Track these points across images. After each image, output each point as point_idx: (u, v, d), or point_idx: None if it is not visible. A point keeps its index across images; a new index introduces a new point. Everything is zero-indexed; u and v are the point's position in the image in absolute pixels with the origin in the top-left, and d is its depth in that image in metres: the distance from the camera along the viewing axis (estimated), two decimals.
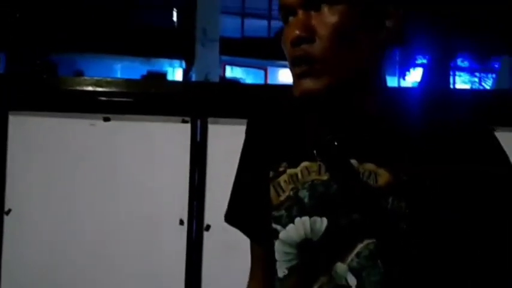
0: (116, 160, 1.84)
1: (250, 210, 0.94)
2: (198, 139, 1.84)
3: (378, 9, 0.82)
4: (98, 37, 8.83)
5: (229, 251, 1.73)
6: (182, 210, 1.81)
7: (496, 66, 9.65)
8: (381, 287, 0.77)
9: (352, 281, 0.79)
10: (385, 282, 0.77)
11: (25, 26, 8.74)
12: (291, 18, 0.82)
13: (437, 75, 8.54)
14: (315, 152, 0.84)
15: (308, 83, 0.80)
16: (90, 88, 1.82)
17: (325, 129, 0.85)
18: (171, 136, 1.83)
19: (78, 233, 1.81)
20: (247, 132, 0.96)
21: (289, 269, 0.84)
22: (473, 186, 0.78)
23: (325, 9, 0.79)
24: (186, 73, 10.03)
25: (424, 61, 9.63)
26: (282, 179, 0.87)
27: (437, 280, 0.77)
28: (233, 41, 10.52)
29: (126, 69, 9.29)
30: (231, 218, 0.99)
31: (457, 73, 10.65)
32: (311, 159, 0.84)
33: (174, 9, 9.98)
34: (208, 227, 1.81)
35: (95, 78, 1.84)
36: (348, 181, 0.81)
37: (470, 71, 10.76)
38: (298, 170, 0.85)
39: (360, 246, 0.79)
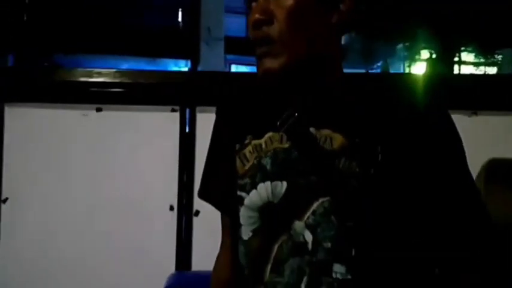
0: (108, 149, 1.90)
1: (218, 184, 1.01)
2: (187, 128, 1.90)
3: None
4: (103, 38, 8.94)
5: (217, 235, 1.78)
6: (172, 196, 1.87)
7: (500, 59, 9.66)
8: (334, 241, 0.83)
9: (308, 237, 0.85)
10: (338, 236, 0.83)
11: (32, 27, 8.88)
12: (253, 4, 0.90)
13: (441, 69, 8.56)
14: (278, 123, 0.89)
15: (268, 63, 0.88)
16: (82, 79, 1.88)
17: (286, 103, 0.92)
18: (161, 125, 1.89)
19: (72, 219, 1.88)
20: (216, 114, 1.03)
21: (253, 231, 0.91)
22: (416, 146, 0.84)
23: None
24: None
25: (429, 55, 9.65)
26: (247, 150, 0.93)
27: (386, 231, 0.83)
28: (238, 39, 10.59)
29: (132, 69, 9.40)
30: (202, 193, 1.05)
31: (461, 66, 10.66)
32: (274, 130, 0.90)
33: (179, 9, 10.07)
34: (197, 213, 1.87)
35: (87, 69, 1.90)
36: (306, 146, 0.86)
37: (475, 65, 10.78)
38: (262, 140, 0.92)
39: (315, 205, 0.85)
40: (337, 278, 0.83)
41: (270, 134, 0.91)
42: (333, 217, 0.83)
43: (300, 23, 0.86)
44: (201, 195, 1.07)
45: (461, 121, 1.78)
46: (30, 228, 1.89)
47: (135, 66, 9.33)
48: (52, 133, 1.91)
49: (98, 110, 1.89)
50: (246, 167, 0.93)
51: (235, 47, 10.37)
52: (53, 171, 1.90)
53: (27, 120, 1.91)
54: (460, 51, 10.00)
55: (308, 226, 0.85)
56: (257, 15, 0.88)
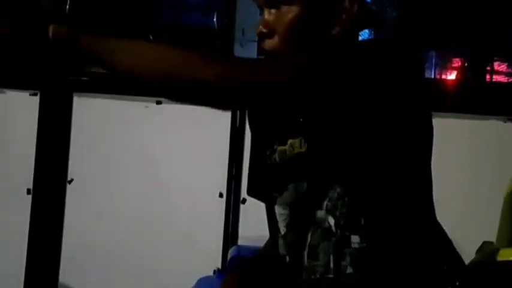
0: (165, 138, 2.08)
1: (258, 183, 1.15)
2: (237, 123, 2.06)
3: (332, 7, 0.95)
4: (140, 36, 9.20)
5: (262, 222, 1.94)
6: (222, 184, 2.04)
7: None
8: (347, 216, 0.96)
9: (331, 221, 0.98)
10: (349, 211, 0.95)
11: (72, 24, 9.15)
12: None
13: (473, 77, 8.54)
14: (294, 129, 1.01)
15: None
16: None
17: (298, 109, 1.01)
18: (214, 120, 2.06)
19: (130, 200, 2.06)
20: (249, 123, 1.17)
21: (286, 226, 1.03)
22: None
23: (284, 7, 0.94)
24: None
25: (460, 63, 9.63)
26: (277, 155, 1.06)
27: (381, 199, 0.96)
28: None
29: None
30: (250, 191, 1.21)
31: (493, 76, 10.60)
32: (293, 137, 1.02)
33: (215, 10, 10.27)
34: (244, 201, 2.03)
35: None
36: (321, 147, 1.00)
37: (507, 74, 10.71)
38: (286, 147, 1.04)
39: (330, 192, 0.98)
40: (355, 248, 0.95)
41: (291, 140, 1.03)
42: (346, 198, 0.96)
43: (299, 37, 0.93)
44: (249, 193, 1.21)
45: (497, 126, 1.92)
46: (92, 206, 2.08)
47: None
48: (115, 122, 2.10)
49: (158, 102, 2.07)
50: (277, 170, 1.05)
51: None
52: (114, 156, 2.09)
53: (94, 110, 2.10)
54: (492, 61, 9.96)
55: (328, 211, 0.97)
56: (259, 28, 0.94)
